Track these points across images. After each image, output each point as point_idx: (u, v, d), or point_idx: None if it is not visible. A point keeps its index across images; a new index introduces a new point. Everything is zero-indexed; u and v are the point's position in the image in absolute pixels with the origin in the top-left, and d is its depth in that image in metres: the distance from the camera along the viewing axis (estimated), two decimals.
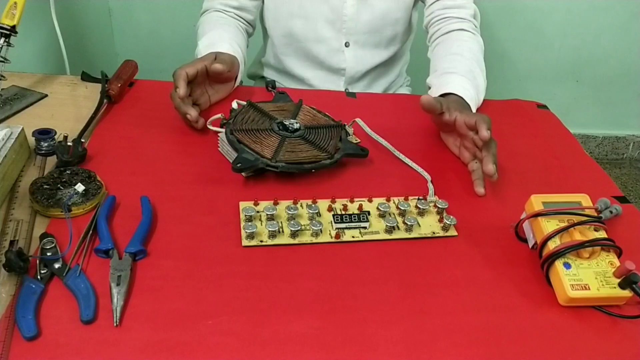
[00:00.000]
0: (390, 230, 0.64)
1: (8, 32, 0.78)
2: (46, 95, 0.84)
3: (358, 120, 0.83)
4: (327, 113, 0.81)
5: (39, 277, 0.53)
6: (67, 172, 0.66)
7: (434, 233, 0.65)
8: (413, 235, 0.64)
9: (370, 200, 0.68)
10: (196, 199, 0.67)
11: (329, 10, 1.02)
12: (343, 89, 1.11)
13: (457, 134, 0.78)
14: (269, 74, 1.17)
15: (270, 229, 0.61)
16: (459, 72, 0.87)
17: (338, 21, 1.03)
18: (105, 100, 0.82)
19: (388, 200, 0.68)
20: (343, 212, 0.66)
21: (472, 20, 1.00)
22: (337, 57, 1.07)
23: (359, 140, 0.80)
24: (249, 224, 0.61)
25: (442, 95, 0.84)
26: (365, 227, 0.64)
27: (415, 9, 1.10)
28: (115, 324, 0.50)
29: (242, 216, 0.63)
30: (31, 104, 0.82)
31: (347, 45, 1.06)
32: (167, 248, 0.59)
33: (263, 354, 0.49)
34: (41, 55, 1.28)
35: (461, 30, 0.98)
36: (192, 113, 0.76)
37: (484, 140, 0.71)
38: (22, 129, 0.69)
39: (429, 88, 0.92)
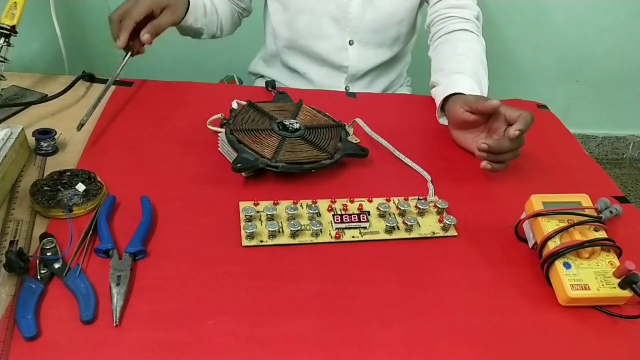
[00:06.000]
0: (390, 230, 0.64)
1: (8, 32, 0.78)
2: (46, 95, 0.84)
3: (358, 120, 0.83)
4: (327, 113, 0.81)
5: (39, 277, 0.53)
6: (67, 173, 0.66)
7: (434, 233, 0.65)
8: (413, 235, 0.64)
9: (370, 201, 0.68)
10: (196, 199, 0.67)
11: (334, 7, 1.02)
12: (343, 86, 1.11)
13: (481, 129, 0.79)
14: (271, 65, 1.17)
15: (270, 229, 0.61)
16: (467, 73, 0.87)
17: (343, 19, 1.03)
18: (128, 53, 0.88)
19: (388, 200, 0.68)
20: (343, 212, 0.66)
21: (476, 22, 1.00)
22: (340, 55, 1.07)
23: (359, 140, 0.80)
24: (249, 224, 0.61)
25: (450, 96, 0.84)
26: (365, 227, 0.64)
27: (420, 10, 1.10)
28: (115, 324, 0.50)
29: (242, 216, 0.63)
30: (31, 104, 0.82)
31: (351, 43, 1.06)
32: (167, 248, 0.59)
33: (263, 354, 0.49)
34: (41, 55, 1.28)
35: (465, 31, 0.98)
36: (122, 38, 0.83)
37: (510, 138, 0.72)
38: (22, 129, 0.69)
39: (433, 87, 0.92)
